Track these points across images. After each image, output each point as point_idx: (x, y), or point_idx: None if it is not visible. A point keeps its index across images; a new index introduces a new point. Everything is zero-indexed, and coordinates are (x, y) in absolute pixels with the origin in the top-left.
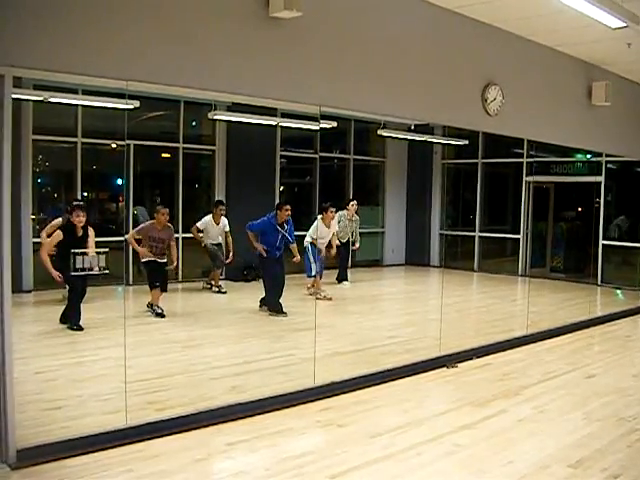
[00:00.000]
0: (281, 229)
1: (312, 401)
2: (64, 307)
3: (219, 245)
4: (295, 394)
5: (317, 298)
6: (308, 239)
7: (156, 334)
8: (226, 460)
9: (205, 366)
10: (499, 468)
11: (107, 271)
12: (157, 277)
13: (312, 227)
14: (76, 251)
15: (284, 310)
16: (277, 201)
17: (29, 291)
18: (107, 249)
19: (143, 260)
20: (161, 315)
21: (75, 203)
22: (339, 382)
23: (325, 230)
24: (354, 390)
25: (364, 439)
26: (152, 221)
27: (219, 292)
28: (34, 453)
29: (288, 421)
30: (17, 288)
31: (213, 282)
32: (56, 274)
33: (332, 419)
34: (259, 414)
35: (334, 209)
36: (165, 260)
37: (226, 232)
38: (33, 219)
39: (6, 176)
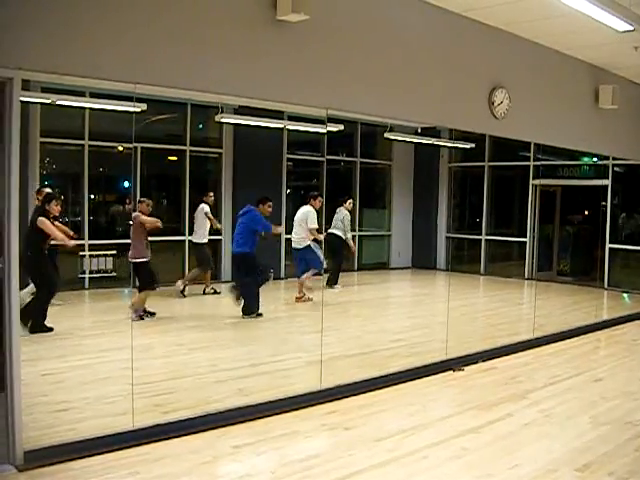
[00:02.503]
0: None
1: (318, 404)
2: None
3: (202, 245)
4: (301, 397)
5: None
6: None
7: (162, 336)
8: (232, 463)
9: (211, 369)
10: (505, 472)
11: (114, 274)
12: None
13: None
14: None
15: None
16: (284, 204)
17: None
18: (114, 252)
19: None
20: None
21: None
22: (345, 385)
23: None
24: (360, 393)
25: (370, 442)
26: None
27: (182, 295)
28: (41, 455)
29: (294, 424)
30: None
31: (186, 283)
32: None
33: (338, 422)
34: (265, 417)
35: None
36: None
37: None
38: None
39: (14, 178)
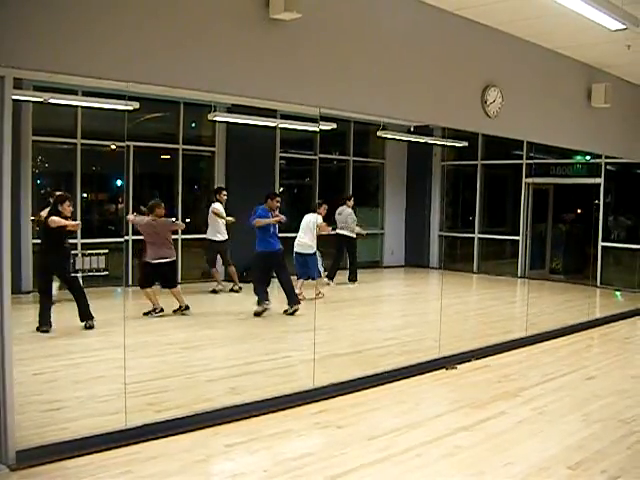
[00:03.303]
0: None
1: (310, 403)
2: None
3: (218, 242)
4: (293, 396)
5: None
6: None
7: (155, 335)
8: (225, 462)
9: (204, 367)
10: (498, 469)
11: (107, 272)
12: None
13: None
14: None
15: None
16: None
17: (28, 292)
18: (106, 250)
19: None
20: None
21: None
22: (338, 384)
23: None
24: (353, 392)
25: (362, 441)
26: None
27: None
28: (33, 454)
29: (286, 423)
30: (16, 289)
31: (216, 282)
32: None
33: (330, 421)
34: (258, 416)
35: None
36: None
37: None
38: (32, 220)
39: (6, 177)
